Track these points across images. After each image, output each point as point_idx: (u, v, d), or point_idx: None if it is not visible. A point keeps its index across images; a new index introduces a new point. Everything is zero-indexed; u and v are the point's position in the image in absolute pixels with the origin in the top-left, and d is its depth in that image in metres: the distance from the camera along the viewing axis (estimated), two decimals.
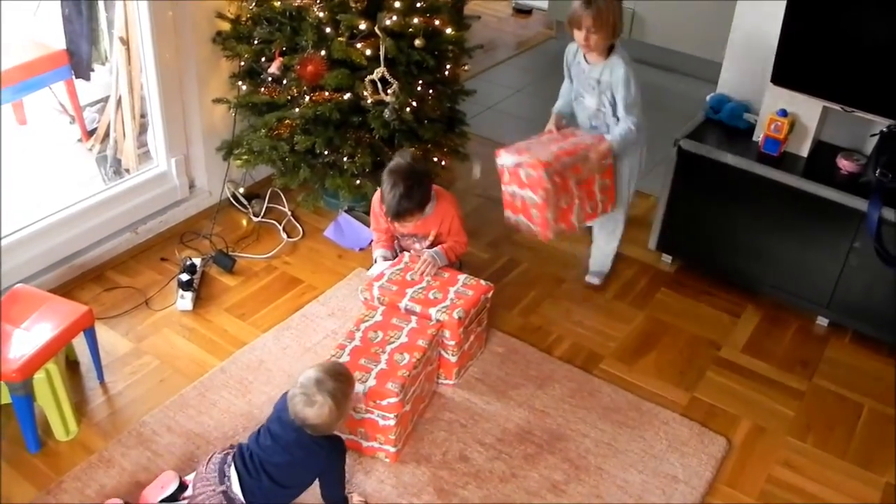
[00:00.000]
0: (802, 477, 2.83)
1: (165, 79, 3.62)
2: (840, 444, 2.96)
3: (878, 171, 3.10)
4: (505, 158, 3.17)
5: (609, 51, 3.21)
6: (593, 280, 3.65)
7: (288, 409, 2.37)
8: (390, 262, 3.17)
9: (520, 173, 3.10)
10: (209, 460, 2.46)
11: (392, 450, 2.74)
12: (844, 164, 3.29)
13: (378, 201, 3.17)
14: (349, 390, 2.43)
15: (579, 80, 3.34)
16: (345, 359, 2.73)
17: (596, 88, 3.26)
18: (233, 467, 2.41)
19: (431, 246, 3.22)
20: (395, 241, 3.32)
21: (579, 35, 3.13)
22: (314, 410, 2.32)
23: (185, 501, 2.48)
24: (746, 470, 2.84)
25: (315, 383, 2.33)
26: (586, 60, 3.27)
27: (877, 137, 3.17)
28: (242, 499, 2.39)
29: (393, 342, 2.81)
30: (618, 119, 3.26)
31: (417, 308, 2.93)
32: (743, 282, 3.62)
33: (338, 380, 2.37)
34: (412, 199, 3.00)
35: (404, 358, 2.74)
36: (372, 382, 2.65)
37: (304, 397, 2.33)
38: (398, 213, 3.02)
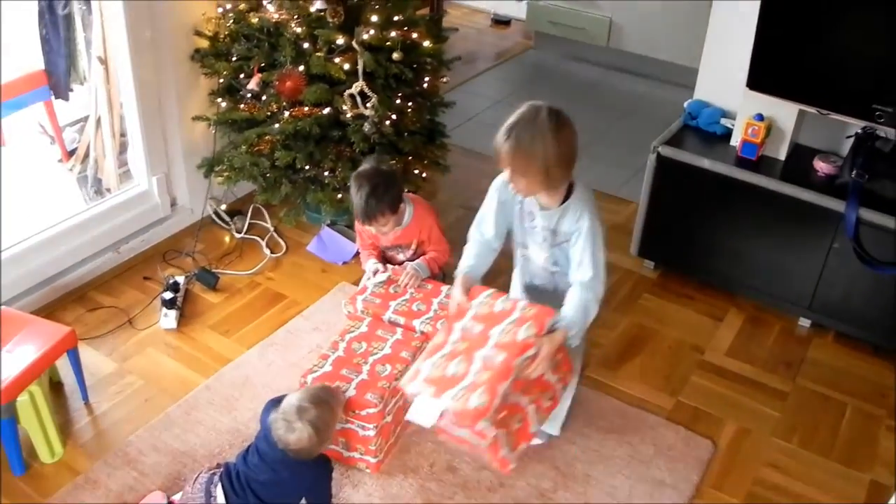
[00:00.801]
0: (788, 477, 2.85)
1: (144, 97, 3.62)
2: (825, 443, 2.98)
3: (854, 173, 3.13)
4: (418, 413, 2.32)
5: (568, 190, 2.46)
6: (540, 440, 2.81)
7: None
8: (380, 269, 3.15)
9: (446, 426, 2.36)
10: (196, 479, 2.46)
11: (373, 460, 2.74)
12: (821, 167, 3.32)
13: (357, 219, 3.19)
14: (331, 417, 2.44)
15: (522, 228, 2.57)
16: (326, 369, 2.73)
17: (548, 240, 2.51)
18: (219, 486, 2.40)
19: (415, 256, 3.23)
20: (381, 255, 3.32)
21: (506, 174, 2.41)
22: (294, 437, 2.33)
23: None
24: (732, 472, 2.86)
25: (296, 411, 2.34)
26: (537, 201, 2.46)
27: (852, 139, 3.21)
28: None
29: (376, 353, 2.81)
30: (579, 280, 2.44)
31: (401, 320, 2.93)
32: (725, 285, 3.64)
33: (320, 407, 2.37)
34: (379, 197, 2.99)
35: (386, 369, 2.74)
36: (352, 392, 2.65)
37: (284, 423, 2.34)
38: (367, 214, 3.01)
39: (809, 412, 3.12)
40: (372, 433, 2.66)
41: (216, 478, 2.43)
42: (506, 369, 2.23)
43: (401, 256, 3.27)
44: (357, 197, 3.00)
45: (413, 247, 3.23)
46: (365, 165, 3.10)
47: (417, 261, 3.16)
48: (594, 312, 2.43)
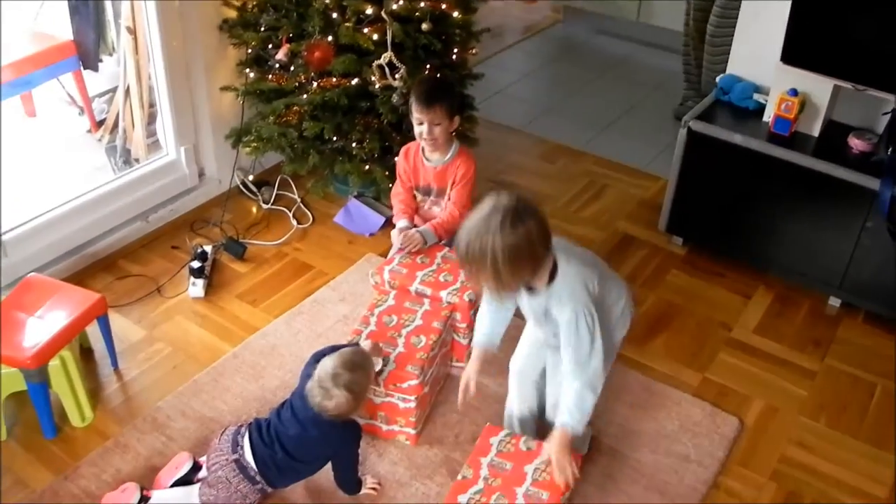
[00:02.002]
0: (815, 456, 2.83)
1: (173, 68, 3.63)
2: (853, 423, 2.96)
3: (890, 150, 3.09)
4: None
5: (554, 270, 2.20)
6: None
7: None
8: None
9: None
10: (222, 434, 2.48)
11: (412, 432, 2.75)
12: (856, 143, 3.27)
13: (401, 152, 3.17)
14: (366, 380, 2.45)
15: (521, 304, 2.41)
16: (364, 343, 2.74)
17: (541, 321, 2.36)
18: (246, 437, 2.43)
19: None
20: (415, 214, 3.26)
21: None
22: (332, 403, 2.35)
23: (200, 482, 2.50)
24: (759, 450, 2.84)
25: (332, 377, 2.35)
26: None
27: (889, 116, 3.16)
28: (255, 466, 2.41)
29: (408, 325, 2.82)
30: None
31: (428, 291, 2.94)
32: (754, 263, 3.61)
33: (354, 371, 2.38)
34: (443, 87, 3.05)
35: (421, 340, 2.75)
36: (391, 366, 2.66)
37: (321, 391, 2.36)
38: (430, 96, 2.94)
39: (838, 392, 3.09)
40: (413, 405, 2.67)
41: (243, 429, 2.46)
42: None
43: (436, 209, 3.23)
44: (420, 85, 3.00)
45: (448, 194, 3.18)
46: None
47: (425, 226, 3.13)
48: (591, 399, 2.27)
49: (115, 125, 4.15)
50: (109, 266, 3.53)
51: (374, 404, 2.70)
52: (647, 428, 2.87)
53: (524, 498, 2.28)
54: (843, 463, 2.81)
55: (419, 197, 3.24)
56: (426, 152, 3.12)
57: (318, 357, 2.51)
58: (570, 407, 2.27)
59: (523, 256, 2.05)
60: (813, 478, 2.75)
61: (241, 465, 2.41)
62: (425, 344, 2.74)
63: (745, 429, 2.91)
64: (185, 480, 2.51)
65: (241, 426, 2.49)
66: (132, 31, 3.76)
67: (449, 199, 3.16)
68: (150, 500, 2.47)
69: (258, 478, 2.42)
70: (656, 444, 2.81)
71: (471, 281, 2.25)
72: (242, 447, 2.42)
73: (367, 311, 2.91)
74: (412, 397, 2.66)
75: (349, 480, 2.54)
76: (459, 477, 2.36)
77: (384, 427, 2.76)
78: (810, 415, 2.98)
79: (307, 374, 2.47)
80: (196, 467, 2.55)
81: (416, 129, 3.02)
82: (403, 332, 2.79)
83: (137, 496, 2.47)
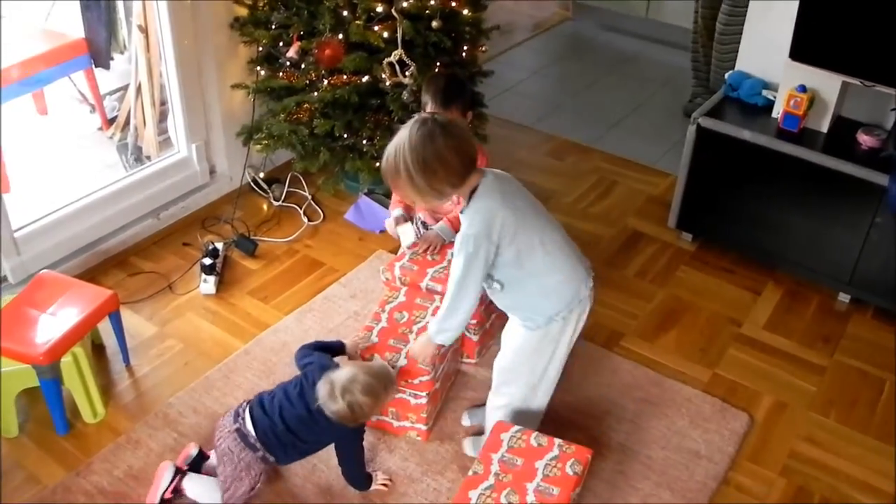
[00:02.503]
0: (825, 452, 2.83)
1: (184, 65, 3.65)
2: (862, 419, 2.96)
3: None
4: None
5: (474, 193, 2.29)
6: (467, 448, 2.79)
7: (321, 375, 2.42)
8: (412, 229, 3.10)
9: None
10: (227, 412, 2.51)
11: (423, 428, 2.76)
12: (865, 139, 3.27)
13: None
14: (373, 407, 2.43)
15: None
16: (374, 340, 2.75)
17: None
18: (247, 409, 2.46)
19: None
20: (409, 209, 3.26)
21: None
22: (334, 406, 2.36)
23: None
24: (769, 445, 2.85)
25: (341, 388, 2.35)
26: None
27: None
28: (254, 433, 2.42)
29: (419, 322, 2.83)
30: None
31: (439, 287, 2.94)
32: (763, 259, 3.61)
33: (367, 395, 2.37)
34: (458, 85, 3.00)
35: None
36: (403, 362, 2.67)
37: (328, 389, 2.36)
38: (447, 96, 2.92)
39: (847, 387, 3.09)
40: (424, 401, 2.69)
41: (245, 403, 2.49)
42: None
43: (448, 205, 3.22)
44: (433, 84, 2.95)
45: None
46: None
47: (440, 223, 3.13)
48: (452, 320, 2.40)
49: (127, 123, 4.17)
50: (121, 263, 3.55)
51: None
52: (658, 424, 2.88)
53: (535, 493, 2.29)
54: (853, 458, 2.81)
55: None
56: None
57: (308, 348, 2.57)
58: (436, 317, 2.46)
59: (434, 164, 2.16)
60: (822, 473, 2.76)
61: (241, 433, 2.43)
62: None
63: (754, 424, 2.92)
64: (195, 467, 2.55)
65: (244, 401, 2.51)
66: (143, 30, 3.78)
67: None
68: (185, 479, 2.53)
69: (258, 445, 2.43)
70: (666, 440, 2.82)
71: (397, 192, 2.38)
72: (244, 418, 2.44)
73: (378, 307, 2.92)
74: (423, 393, 2.67)
75: (356, 476, 2.56)
76: (470, 472, 2.36)
77: (395, 423, 2.78)
78: (820, 410, 2.99)
79: (310, 363, 2.50)
80: (203, 456, 2.59)
81: None
82: (414, 328, 2.81)
83: (172, 472, 2.53)
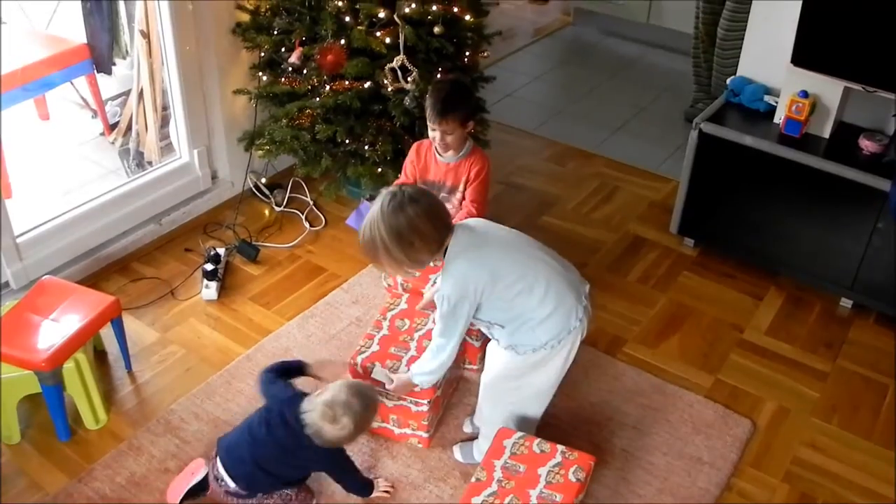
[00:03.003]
0: (827, 458, 2.83)
1: (186, 71, 3.65)
2: (865, 424, 2.96)
3: None
4: None
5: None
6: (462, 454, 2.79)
7: (290, 407, 2.39)
8: None
9: None
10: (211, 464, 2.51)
11: (425, 435, 2.76)
12: (867, 145, 3.27)
13: (411, 152, 3.17)
14: (371, 421, 2.47)
15: None
16: (374, 348, 2.75)
17: None
18: (220, 467, 2.45)
19: (462, 203, 3.21)
20: None
21: None
22: (334, 429, 2.33)
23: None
24: (771, 451, 2.84)
25: (343, 405, 2.33)
26: None
27: None
28: (238, 486, 2.43)
29: (420, 329, 2.83)
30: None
31: None
32: (765, 264, 3.61)
33: (366, 409, 2.38)
34: (460, 95, 3.00)
35: None
36: (403, 369, 2.67)
37: (328, 415, 2.33)
38: (445, 107, 2.92)
39: (850, 393, 3.09)
40: (425, 408, 2.68)
41: (215, 458, 2.48)
42: None
43: (447, 206, 3.22)
44: (435, 92, 2.95)
45: (461, 190, 3.19)
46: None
47: None
48: (427, 369, 2.49)
49: (129, 128, 4.17)
50: (123, 269, 3.55)
51: (386, 407, 2.70)
52: (660, 430, 2.88)
53: (537, 500, 2.29)
54: (856, 464, 2.81)
55: None
56: (439, 150, 3.13)
57: (272, 373, 2.54)
58: (418, 361, 2.54)
59: (409, 235, 2.22)
60: (825, 479, 2.76)
61: (232, 493, 2.44)
62: None
63: (757, 430, 2.91)
64: (199, 487, 2.52)
65: (213, 460, 2.49)
66: (146, 35, 3.79)
67: (464, 197, 3.16)
68: None
69: (247, 493, 2.44)
70: (669, 447, 2.82)
71: (376, 266, 2.40)
72: (223, 479, 2.44)
73: (380, 314, 2.92)
74: (425, 401, 2.67)
75: (356, 484, 2.55)
76: (473, 479, 2.36)
77: (396, 430, 2.77)
78: (822, 416, 2.98)
79: (276, 393, 2.48)
80: (204, 484, 2.55)
81: (431, 134, 3.03)
82: (416, 335, 2.80)
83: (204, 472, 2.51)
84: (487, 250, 2.34)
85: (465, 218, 3.12)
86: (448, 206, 3.20)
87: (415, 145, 3.20)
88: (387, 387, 2.61)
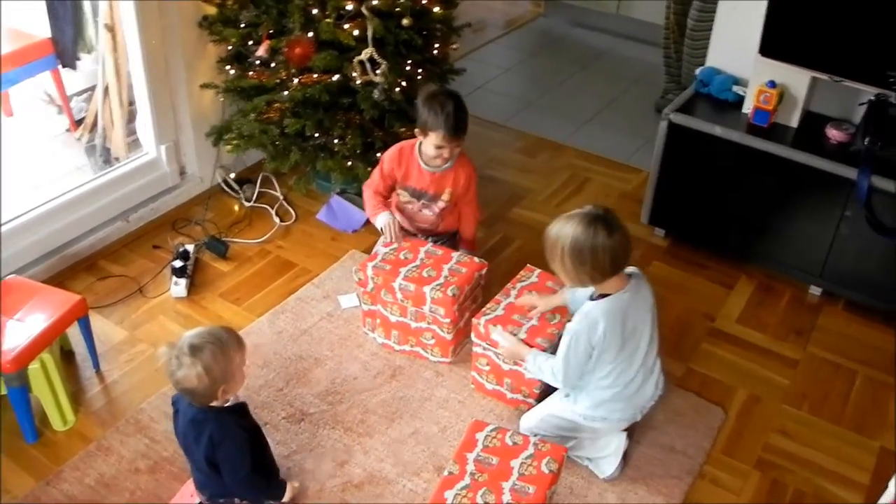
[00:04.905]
0: (798, 444, 2.85)
1: (152, 65, 3.60)
2: (835, 411, 2.98)
3: (867, 140, 3.11)
4: None
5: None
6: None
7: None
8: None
9: None
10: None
11: (532, 402, 2.84)
12: (834, 134, 3.29)
13: (392, 154, 3.16)
14: (223, 359, 2.23)
15: None
16: (499, 312, 2.85)
17: None
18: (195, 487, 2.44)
19: (441, 214, 3.22)
20: (392, 207, 3.27)
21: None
22: (181, 373, 2.18)
23: None
24: (743, 438, 2.86)
25: (180, 348, 2.19)
26: None
27: (865, 106, 3.18)
28: (212, 499, 2.41)
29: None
30: None
31: (412, 287, 2.93)
32: (735, 253, 3.63)
33: (212, 342, 2.21)
34: (465, 111, 3.05)
35: (555, 318, 2.84)
36: (523, 336, 2.75)
37: (175, 360, 2.18)
38: (458, 125, 3.00)
39: (819, 380, 3.11)
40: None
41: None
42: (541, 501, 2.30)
43: (426, 212, 3.24)
44: (445, 110, 2.97)
45: (444, 199, 3.18)
46: (432, 87, 3.16)
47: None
48: (543, 377, 2.62)
49: (95, 124, 4.12)
50: (90, 267, 3.51)
51: (502, 370, 2.83)
52: None
53: (511, 492, 2.28)
54: (826, 450, 2.83)
55: (406, 198, 3.24)
56: (425, 159, 3.12)
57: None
58: (543, 355, 2.61)
59: (585, 256, 2.33)
60: (796, 465, 2.78)
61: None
62: (559, 321, 2.81)
63: (728, 418, 2.93)
64: None
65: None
66: (111, 29, 3.73)
67: (454, 204, 3.24)
68: None
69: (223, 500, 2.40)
70: (641, 435, 2.83)
71: (550, 264, 2.47)
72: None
73: (511, 284, 3.00)
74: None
75: (238, 477, 2.30)
76: (446, 473, 2.36)
77: (508, 394, 2.88)
78: (793, 403, 3.01)
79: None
80: None
81: (434, 151, 3.05)
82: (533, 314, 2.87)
83: None
84: (632, 321, 2.49)
85: (472, 224, 3.29)
86: (428, 212, 3.21)
87: (397, 148, 3.18)
88: (501, 345, 2.72)
